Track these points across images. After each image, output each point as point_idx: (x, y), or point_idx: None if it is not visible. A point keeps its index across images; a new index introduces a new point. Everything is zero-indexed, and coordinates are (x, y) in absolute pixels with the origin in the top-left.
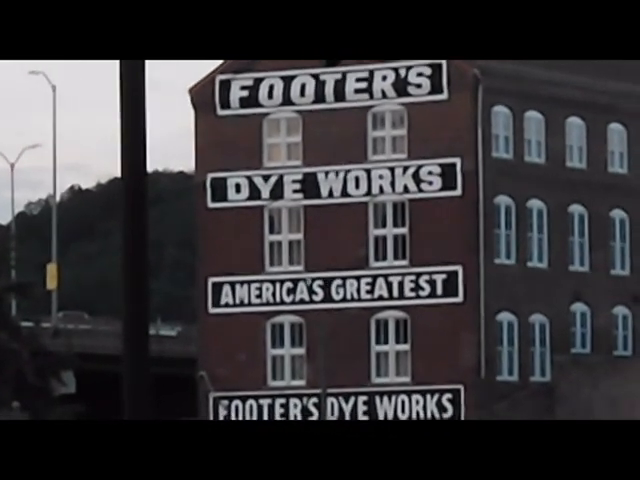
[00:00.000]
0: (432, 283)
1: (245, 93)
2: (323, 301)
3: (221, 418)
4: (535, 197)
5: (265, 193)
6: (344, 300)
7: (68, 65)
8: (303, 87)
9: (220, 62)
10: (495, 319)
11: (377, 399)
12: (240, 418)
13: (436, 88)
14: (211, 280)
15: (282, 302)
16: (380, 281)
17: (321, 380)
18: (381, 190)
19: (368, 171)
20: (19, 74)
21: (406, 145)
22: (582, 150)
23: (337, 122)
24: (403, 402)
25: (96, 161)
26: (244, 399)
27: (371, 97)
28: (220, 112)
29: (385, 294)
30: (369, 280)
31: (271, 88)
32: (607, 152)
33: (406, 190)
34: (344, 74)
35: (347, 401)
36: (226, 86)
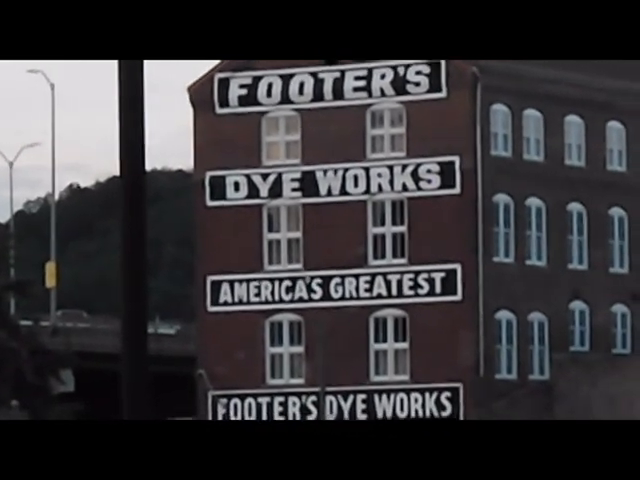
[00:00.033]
0: (431, 281)
1: (244, 91)
2: (322, 299)
3: (220, 416)
4: (534, 195)
5: (264, 191)
6: (343, 298)
7: (67, 64)
8: (302, 85)
9: (219, 61)
10: (494, 317)
11: (376, 397)
12: (239, 416)
13: (435, 86)
14: (210, 278)
15: (281, 300)
16: (379, 279)
17: (320, 378)
18: (380, 188)
19: (367, 169)
20: (18, 72)
21: (405, 143)
22: (581, 148)
23: (336, 120)
24: (402, 400)
25: (95, 160)
26: (243, 397)
27: (370, 95)
28: (219, 110)
29: (384, 292)
30: (368, 278)
31: (270, 86)
32: (606, 150)
33: (405, 188)
34: (343, 72)
35: (346, 399)
36: (225, 84)
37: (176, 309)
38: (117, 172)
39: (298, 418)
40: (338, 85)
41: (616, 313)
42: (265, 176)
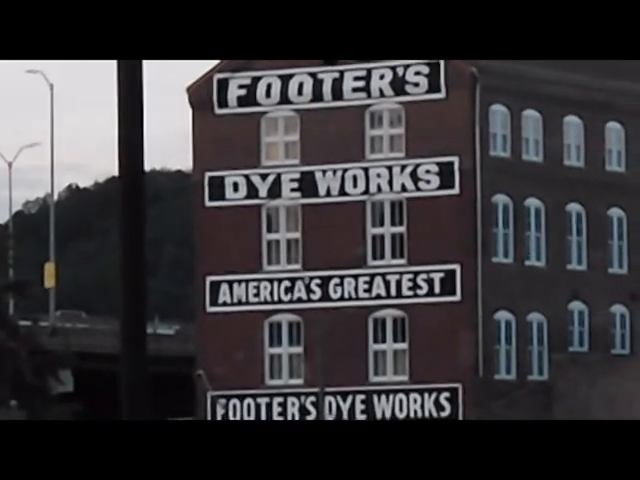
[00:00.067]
0: (430, 282)
1: (243, 92)
2: (321, 300)
3: (219, 417)
4: (533, 196)
5: (263, 192)
6: (342, 299)
7: (66, 64)
8: (301, 86)
9: (218, 61)
10: (493, 318)
11: (375, 398)
12: (238, 417)
13: (434, 87)
14: (209, 279)
15: (280, 301)
16: (378, 280)
17: (319, 379)
18: (379, 189)
19: (366, 170)
20: (17, 73)
21: (404, 144)
22: (580, 149)
23: (335, 121)
24: (401, 401)
25: (94, 160)
26: (242, 398)
27: (369, 96)
28: (218, 111)
29: (383, 293)
30: (367, 279)
31: (269, 87)
32: (605, 151)
33: (404, 189)
34: (342, 73)
35: (345, 400)
36: (224, 85)
37: (175, 309)
38: (116, 172)
39: (297, 418)
40: (337, 86)
41: (615, 313)
42: (264, 176)
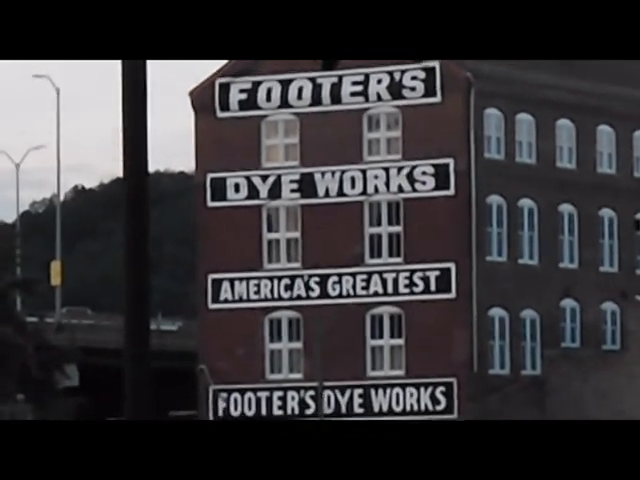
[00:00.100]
0: (426, 280)
1: (244, 96)
2: (320, 297)
3: (220, 411)
4: (526, 196)
5: (263, 193)
6: (340, 296)
7: (72, 68)
8: (300, 90)
9: (220, 66)
10: (487, 314)
11: (372, 392)
12: (239, 411)
13: (430, 91)
14: (211, 276)
15: (280, 298)
16: (375, 278)
17: (318, 373)
18: (376, 190)
19: (363, 171)
20: (24, 77)
21: (400, 146)
22: (572, 151)
23: (333, 124)
24: (398, 395)
25: (99, 161)
26: (243, 392)
27: (366, 100)
28: (220, 114)
29: (380, 290)
30: (364, 277)
31: (269, 91)
32: (596, 153)
33: (400, 190)
34: (340, 77)
35: (343, 394)
36: (225, 89)
37: (178, 306)
38: (121, 173)
39: (297, 412)
40: (336, 90)
41: (606, 310)
42: (265, 178)
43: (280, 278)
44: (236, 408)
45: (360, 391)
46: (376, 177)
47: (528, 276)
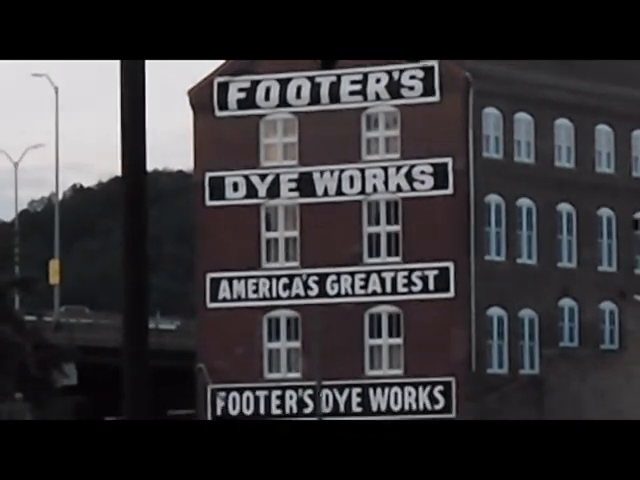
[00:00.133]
0: (424, 279)
1: (242, 95)
2: (318, 296)
3: (219, 409)
4: (524, 196)
5: (262, 192)
6: (339, 295)
7: (70, 67)
8: (299, 89)
9: (218, 65)
10: (485, 314)
11: (371, 391)
12: (237, 410)
13: (428, 90)
14: (209, 276)
15: (278, 297)
16: (374, 277)
17: (316, 372)
18: (375, 189)
19: (362, 170)
20: (23, 76)
21: (399, 145)
22: (570, 150)
23: (332, 123)
24: (396, 394)
25: (97, 160)
26: (241, 391)
27: (365, 99)
28: (218, 113)
29: (378, 289)
30: (363, 276)
31: (268, 90)
32: (595, 152)
33: (399, 189)
34: (339, 77)
35: (341, 393)
36: (224, 88)
37: (176, 305)
38: (119, 172)
39: (295, 411)
40: (334, 89)
41: (604, 310)
42: (263, 177)
43: (279, 277)
44: (234, 407)
45: (358, 390)
46: (375, 176)
47: (526, 275)
